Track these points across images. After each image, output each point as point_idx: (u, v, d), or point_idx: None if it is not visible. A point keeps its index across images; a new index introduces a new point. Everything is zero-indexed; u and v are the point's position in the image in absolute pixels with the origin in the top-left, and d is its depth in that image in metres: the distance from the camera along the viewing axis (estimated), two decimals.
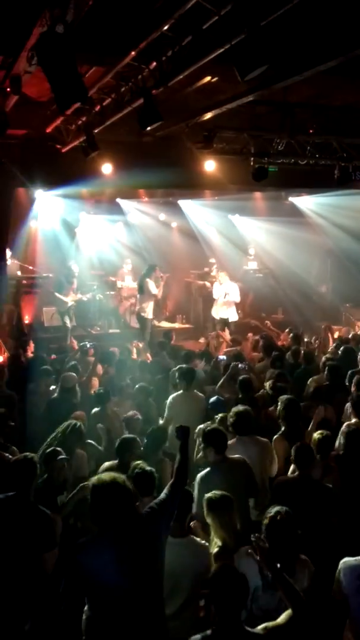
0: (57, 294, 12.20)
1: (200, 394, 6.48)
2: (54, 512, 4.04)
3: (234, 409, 5.15)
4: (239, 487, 4.35)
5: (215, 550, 3.73)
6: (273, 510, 3.43)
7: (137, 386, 6.76)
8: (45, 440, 5.12)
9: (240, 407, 5.15)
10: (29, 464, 3.95)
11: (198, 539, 3.71)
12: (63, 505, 4.35)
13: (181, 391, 6.38)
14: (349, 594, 3.30)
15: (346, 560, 3.39)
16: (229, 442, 4.96)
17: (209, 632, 2.80)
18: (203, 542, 3.72)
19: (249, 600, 3.18)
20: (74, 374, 6.89)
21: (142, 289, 12.17)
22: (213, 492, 3.82)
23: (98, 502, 3.01)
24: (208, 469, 4.55)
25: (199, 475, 4.53)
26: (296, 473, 4.42)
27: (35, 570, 3.69)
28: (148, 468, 4.20)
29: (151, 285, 12.08)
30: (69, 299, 12.12)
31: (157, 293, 12.19)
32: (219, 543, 3.74)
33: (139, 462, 4.34)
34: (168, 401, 6.38)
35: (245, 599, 2.87)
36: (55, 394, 6.72)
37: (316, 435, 4.90)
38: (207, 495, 3.81)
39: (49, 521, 3.84)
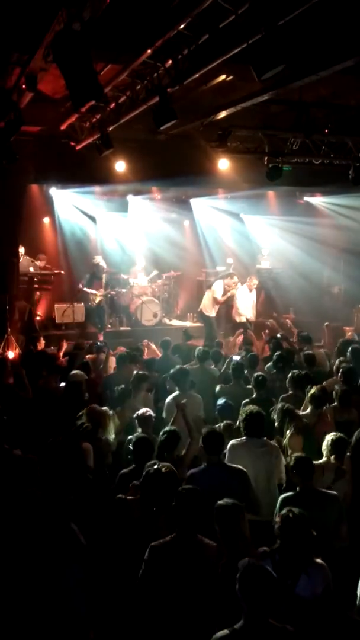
0: (86, 289, 12.30)
1: (197, 396, 6.45)
2: None
3: (245, 409, 5.10)
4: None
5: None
6: (285, 509, 3.41)
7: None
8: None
9: (251, 408, 5.10)
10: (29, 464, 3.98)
11: (206, 539, 3.66)
12: None
13: (177, 392, 6.39)
14: None
15: None
16: (236, 441, 4.97)
17: (237, 626, 2.82)
18: (210, 541, 3.66)
19: None
20: (82, 372, 6.90)
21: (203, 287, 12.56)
22: (224, 499, 3.73)
23: None
24: (200, 468, 4.55)
25: (189, 472, 4.54)
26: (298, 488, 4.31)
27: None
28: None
29: (217, 288, 12.34)
30: (99, 294, 12.21)
31: (220, 299, 12.38)
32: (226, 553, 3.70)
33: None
34: (166, 402, 6.41)
35: (273, 595, 2.84)
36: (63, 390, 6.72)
37: (330, 436, 4.86)
38: (218, 502, 3.71)
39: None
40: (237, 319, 12.41)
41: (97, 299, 12.35)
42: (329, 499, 4.25)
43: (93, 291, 12.35)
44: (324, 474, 4.67)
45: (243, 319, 12.32)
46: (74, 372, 6.89)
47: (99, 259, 12.75)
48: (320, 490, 4.31)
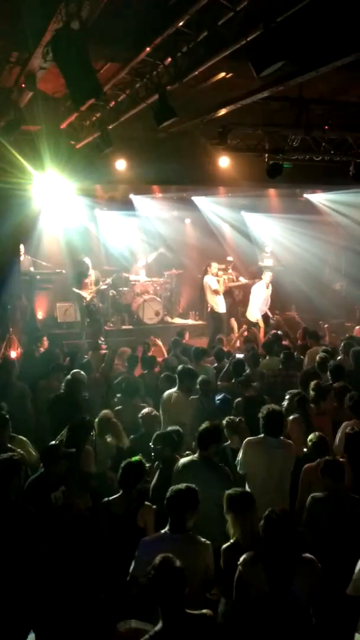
0: (75, 290, 12.29)
1: (194, 396, 6.42)
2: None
3: (266, 407, 5.03)
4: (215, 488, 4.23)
5: (226, 544, 3.75)
6: (267, 512, 3.40)
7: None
8: (53, 435, 5.18)
9: (273, 407, 5.06)
10: (9, 464, 3.98)
11: (198, 537, 3.69)
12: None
13: (174, 390, 6.38)
14: None
15: None
16: (253, 439, 4.96)
17: (157, 628, 2.91)
18: (203, 540, 3.69)
19: (258, 606, 3.18)
20: (83, 373, 6.91)
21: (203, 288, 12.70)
22: (233, 489, 3.83)
23: None
24: (188, 460, 4.59)
25: (181, 460, 4.60)
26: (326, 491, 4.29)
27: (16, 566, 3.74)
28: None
29: (209, 281, 12.46)
30: (86, 293, 12.20)
31: (218, 288, 12.49)
32: (232, 540, 3.75)
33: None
34: (162, 399, 6.43)
35: (183, 588, 2.92)
36: (61, 390, 6.71)
37: (311, 436, 4.90)
38: (228, 492, 3.82)
39: (32, 519, 3.89)
40: (253, 318, 12.41)
41: (88, 297, 12.31)
42: (222, 474, 4.41)
43: (80, 292, 12.30)
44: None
45: (258, 317, 12.32)
46: (74, 371, 6.89)
47: (84, 258, 12.73)
48: (350, 494, 4.26)
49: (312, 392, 6.08)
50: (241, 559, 3.40)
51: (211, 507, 3.98)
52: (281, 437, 4.99)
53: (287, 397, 5.90)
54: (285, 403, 5.78)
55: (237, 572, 3.38)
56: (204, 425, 4.75)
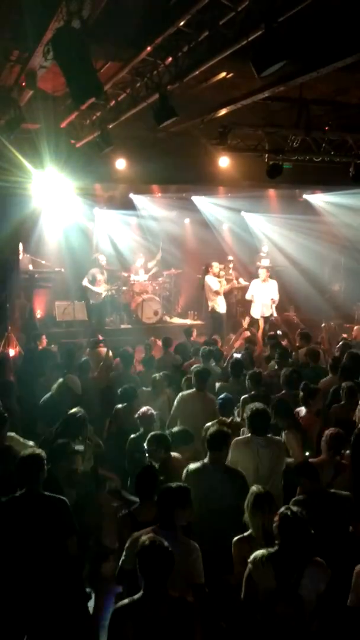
0: (90, 286, 12.32)
1: (212, 396, 6.36)
2: None
3: (250, 406, 5.07)
4: (229, 496, 4.23)
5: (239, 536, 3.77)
6: (282, 509, 3.40)
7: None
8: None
9: (257, 405, 5.07)
10: (37, 459, 3.97)
11: (188, 539, 3.68)
12: None
13: (192, 390, 6.35)
14: None
15: None
16: (240, 438, 4.96)
17: (136, 596, 2.99)
18: (192, 542, 3.67)
19: (265, 606, 3.17)
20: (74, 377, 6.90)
21: (203, 288, 12.75)
22: (256, 485, 3.84)
23: None
24: (199, 465, 4.52)
25: (189, 466, 4.52)
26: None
27: (60, 556, 3.80)
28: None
29: (210, 281, 12.44)
30: (102, 289, 12.24)
31: (219, 289, 12.46)
32: (250, 531, 3.77)
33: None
34: (176, 399, 6.35)
35: (168, 566, 2.96)
36: (53, 390, 6.68)
37: (328, 432, 4.85)
38: (252, 488, 3.82)
39: (66, 508, 3.91)
40: (255, 317, 12.40)
41: (102, 296, 12.39)
42: (341, 499, 4.23)
43: (95, 288, 12.37)
44: (323, 470, 4.65)
45: (258, 315, 12.30)
46: (68, 375, 6.88)
47: (99, 256, 12.79)
48: (330, 491, 4.27)
49: (300, 392, 6.10)
50: (252, 556, 3.40)
51: (227, 512, 3.96)
52: (269, 435, 4.98)
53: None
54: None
55: (248, 569, 3.38)
56: (214, 427, 4.70)
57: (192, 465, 4.55)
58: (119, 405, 6.36)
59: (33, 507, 3.82)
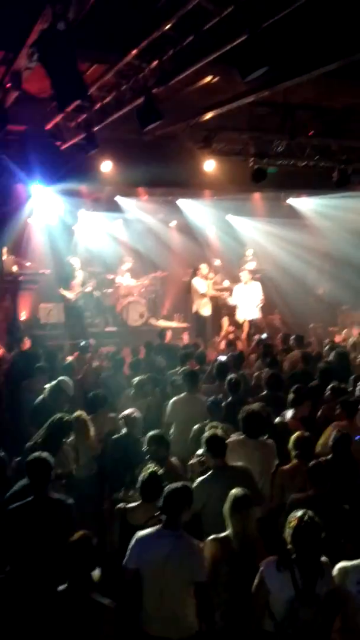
0: (61, 291, 12.25)
1: (203, 398, 6.33)
2: None
3: (245, 408, 5.08)
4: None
5: (215, 536, 3.79)
6: (297, 514, 3.36)
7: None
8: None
9: (252, 407, 5.08)
10: (43, 463, 3.99)
11: (191, 537, 3.71)
12: None
13: (183, 394, 6.33)
14: (350, 598, 3.31)
15: (342, 565, 3.40)
16: (233, 439, 4.97)
17: (62, 587, 3.21)
18: (197, 541, 3.72)
19: (286, 613, 3.20)
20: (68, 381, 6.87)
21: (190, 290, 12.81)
22: (236, 489, 3.84)
23: None
24: (208, 474, 4.52)
25: (199, 480, 4.51)
26: (311, 491, 4.31)
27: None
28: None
29: (197, 284, 12.52)
30: (72, 295, 12.17)
31: (206, 292, 12.55)
32: (227, 532, 3.78)
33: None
34: (169, 404, 6.35)
35: (93, 563, 3.15)
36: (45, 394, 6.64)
37: (295, 436, 4.88)
38: (232, 491, 3.83)
39: (70, 512, 3.98)
40: (240, 319, 12.44)
41: (73, 299, 12.29)
42: (242, 472, 4.44)
43: (66, 293, 12.31)
44: (295, 477, 4.67)
45: (242, 319, 12.34)
46: (60, 379, 6.85)
47: (71, 258, 12.73)
48: (332, 500, 4.24)
49: (291, 395, 6.13)
50: (263, 564, 3.39)
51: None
52: (261, 438, 5.01)
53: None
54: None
55: (259, 577, 3.37)
56: (212, 432, 4.69)
57: (200, 478, 4.52)
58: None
59: (42, 512, 3.86)
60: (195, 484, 4.40)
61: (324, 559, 3.39)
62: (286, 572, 3.26)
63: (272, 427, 5.49)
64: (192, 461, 5.13)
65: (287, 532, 3.34)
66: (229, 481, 4.23)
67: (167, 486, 3.79)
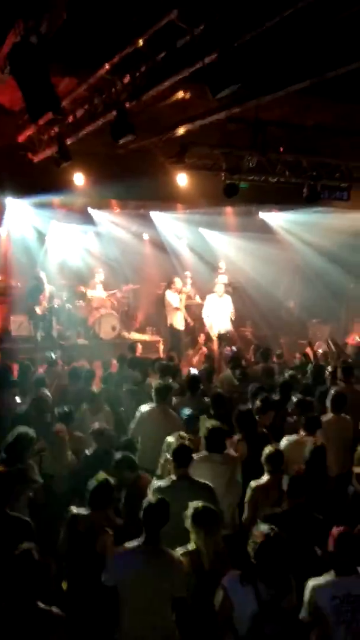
0: (29, 304, 12.12)
1: (174, 413, 6.29)
2: None
3: (207, 424, 5.09)
4: None
5: (184, 550, 3.75)
6: (262, 529, 3.35)
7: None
8: None
9: (212, 422, 5.08)
10: (2, 479, 3.92)
11: (172, 552, 3.69)
12: None
13: (154, 406, 6.30)
14: (325, 614, 3.33)
15: (316, 582, 3.41)
16: (197, 455, 4.95)
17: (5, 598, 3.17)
18: (177, 555, 3.69)
19: (249, 626, 3.17)
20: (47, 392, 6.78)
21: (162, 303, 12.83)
22: (197, 502, 3.82)
23: None
24: (170, 481, 4.51)
25: (157, 483, 4.51)
26: (284, 504, 4.32)
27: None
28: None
29: (170, 297, 12.56)
30: (39, 308, 12.05)
31: (179, 305, 12.60)
32: (192, 546, 3.76)
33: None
34: (138, 414, 6.29)
35: (37, 582, 3.11)
36: (23, 407, 6.56)
37: (267, 450, 4.89)
38: (192, 504, 3.81)
39: (30, 531, 3.90)
40: (211, 332, 12.46)
41: (40, 312, 12.19)
42: (205, 487, 4.40)
43: (35, 306, 12.21)
44: (268, 495, 4.66)
45: (216, 331, 12.36)
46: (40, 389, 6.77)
47: (40, 272, 12.65)
48: (308, 511, 4.26)
49: (258, 403, 6.17)
50: (226, 578, 3.38)
51: None
52: (225, 451, 5.01)
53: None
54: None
55: (222, 591, 3.35)
56: (177, 443, 4.67)
57: (160, 483, 4.52)
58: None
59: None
60: (153, 487, 4.44)
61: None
62: (249, 586, 3.24)
63: None
64: (161, 461, 5.18)
65: (252, 547, 3.33)
66: (190, 493, 4.23)
67: (145, 501, 3.75)
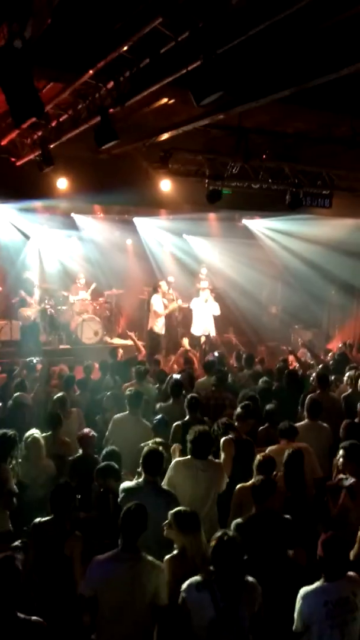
0: (21, 309, 12.06)
1: (146, 422, 6.27)
2: None
3: (193, 429, 5.02)
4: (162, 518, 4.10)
5: (171, 555, 3.74)
6: (219, 533, 3.38)
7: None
8: None
9: (199, 428, 5.03)
10: None
11: (151, 558, 3.65)
12: None
13: (125, 413, 6.28)
14: (316, 621, 3.33)
15: (306, 590, 3.42)
16: (181, 459, 4.96)
17: None
18: (158, 563, 3.65)
19: (208, 635, 3.14)
20: (25, 394, 6.74)
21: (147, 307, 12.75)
22: (180, 507, 3.82)
23: None
24: (135, 485, 4.51)
25: (125, 484, 4.52)
26: (254, 509, 4.28)
27: None
28: None
29: (155, 301, 12.52)
30: (31, 312, 11.99)
31: (163, 312, 12.56)
32: (175, 551, 3.75)
33: None
34: (111, 422, 6.29)
35: (16, 590, 3.07)
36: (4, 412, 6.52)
37: (259, 456, 4.89)
38: (175, 509, 3.81)
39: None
40: (196, 334, 12.47)
41: (32, 316, 12.14)
42: (284, 523, 4.20)
43: (26, 311, 12.14)
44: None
45: (199, 333, 12.37)
46: (16, 394, 6.72)
47: (28, 274, 12.59)
48: (276, 513, 4.25)
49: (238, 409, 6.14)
50: (185, 585, 3.34)
51: (160, 532, 3.91)
52: (209, 458, 4.99)
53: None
54: (215, 427, 5.77)
55: (181, 598, 3.32)
56: (148, 448, 4.66)
57: (127, 485, 4.53)
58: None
59: None
60: (121, 487, 4.47)
61: (250, 579, 3.37)
62: (205, 592, 3.22)
63: None
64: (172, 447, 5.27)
65: (209, 552, 3.34)
66: (156, 499, 4.22)
67: (125, 508, 3.72)
